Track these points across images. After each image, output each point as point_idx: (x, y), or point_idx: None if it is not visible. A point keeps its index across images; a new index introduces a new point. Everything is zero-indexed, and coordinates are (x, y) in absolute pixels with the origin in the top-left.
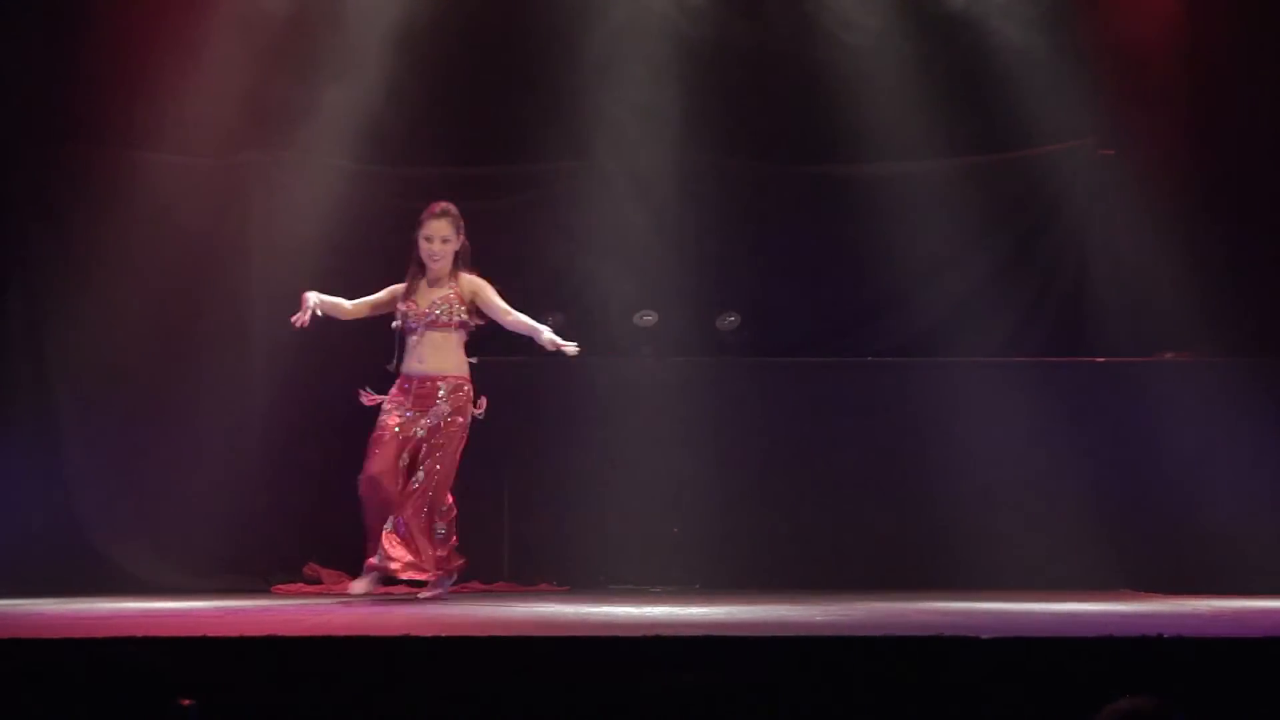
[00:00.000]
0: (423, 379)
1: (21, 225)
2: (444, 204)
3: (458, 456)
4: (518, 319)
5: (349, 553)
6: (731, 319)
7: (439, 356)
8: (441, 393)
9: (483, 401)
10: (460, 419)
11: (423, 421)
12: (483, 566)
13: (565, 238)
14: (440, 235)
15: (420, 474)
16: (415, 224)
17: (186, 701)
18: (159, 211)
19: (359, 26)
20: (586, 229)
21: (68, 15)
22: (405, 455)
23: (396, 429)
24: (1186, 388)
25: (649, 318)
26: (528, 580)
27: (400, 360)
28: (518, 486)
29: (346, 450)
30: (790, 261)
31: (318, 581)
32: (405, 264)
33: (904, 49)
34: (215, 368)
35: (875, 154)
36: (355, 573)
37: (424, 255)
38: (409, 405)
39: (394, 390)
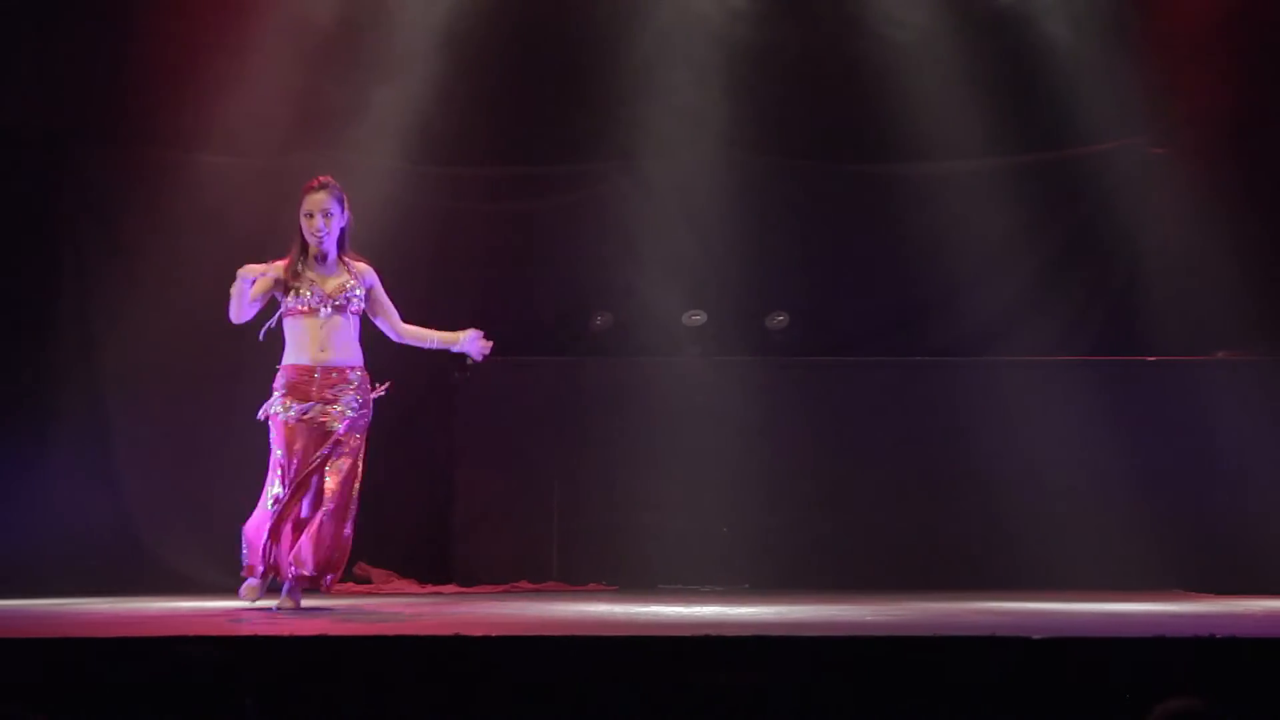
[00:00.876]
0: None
1: (73, 226)
2: (324, 178)
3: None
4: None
5: (399, 552)
6: (780, 318)
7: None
8: (351, 382)
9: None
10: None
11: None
12: (532, 566)
13: (613, 238)
14: (323, 210)
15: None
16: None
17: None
18: (209, 212)
19: (408, 28)
20: (635, 229)
21: (119, 18)
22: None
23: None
24: (1239, 387)
25: (697, 317)
26: (577, 580)
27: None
28: (566, 487)
29: (397, 449)
30: (839, 261)
31: (367, 581)
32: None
33: (952, 47)
34: (267, 366)
35: (924, 153)
36: (404, 572)
37: (306, 232)
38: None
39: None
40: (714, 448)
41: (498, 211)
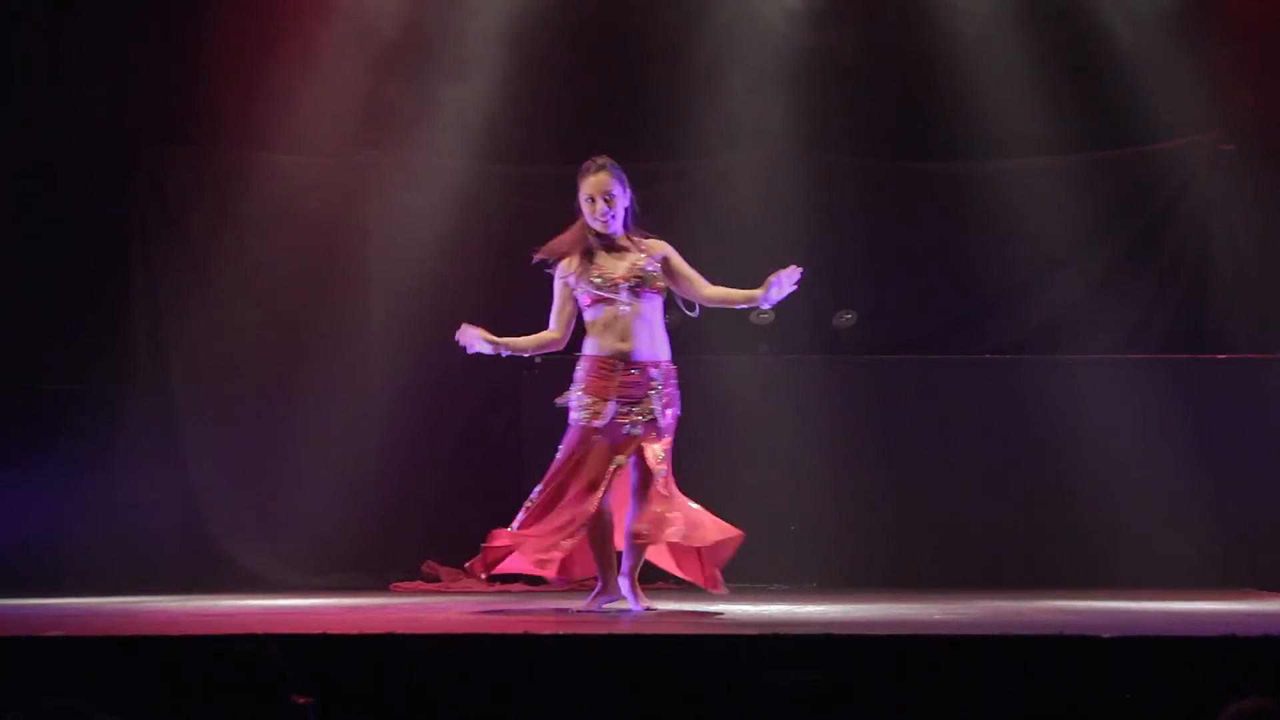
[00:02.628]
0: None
1: (142, 224)
2: (601, 158)
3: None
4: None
5: (468, 550)
6: (848, 316)
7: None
8: (655, 381)
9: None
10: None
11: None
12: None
13: (681, 236)
14: (605, 192)
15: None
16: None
17: (303, 699)
18: (277, 210)
19: (475, 28)
20: (700, 228)
21: (189, 17)
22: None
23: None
24: None
25: (765, 315)
26: (645, 578)
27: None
28: None
29: (465, 447)
30: (907, 258)
31: (436, 579)
32: (520, 257)
33: (1017, 43)
34: (334, 366)
35: (992, 150)
36: None
37: (590, 218)
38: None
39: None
40: (781, 445)
41: (565, 211)
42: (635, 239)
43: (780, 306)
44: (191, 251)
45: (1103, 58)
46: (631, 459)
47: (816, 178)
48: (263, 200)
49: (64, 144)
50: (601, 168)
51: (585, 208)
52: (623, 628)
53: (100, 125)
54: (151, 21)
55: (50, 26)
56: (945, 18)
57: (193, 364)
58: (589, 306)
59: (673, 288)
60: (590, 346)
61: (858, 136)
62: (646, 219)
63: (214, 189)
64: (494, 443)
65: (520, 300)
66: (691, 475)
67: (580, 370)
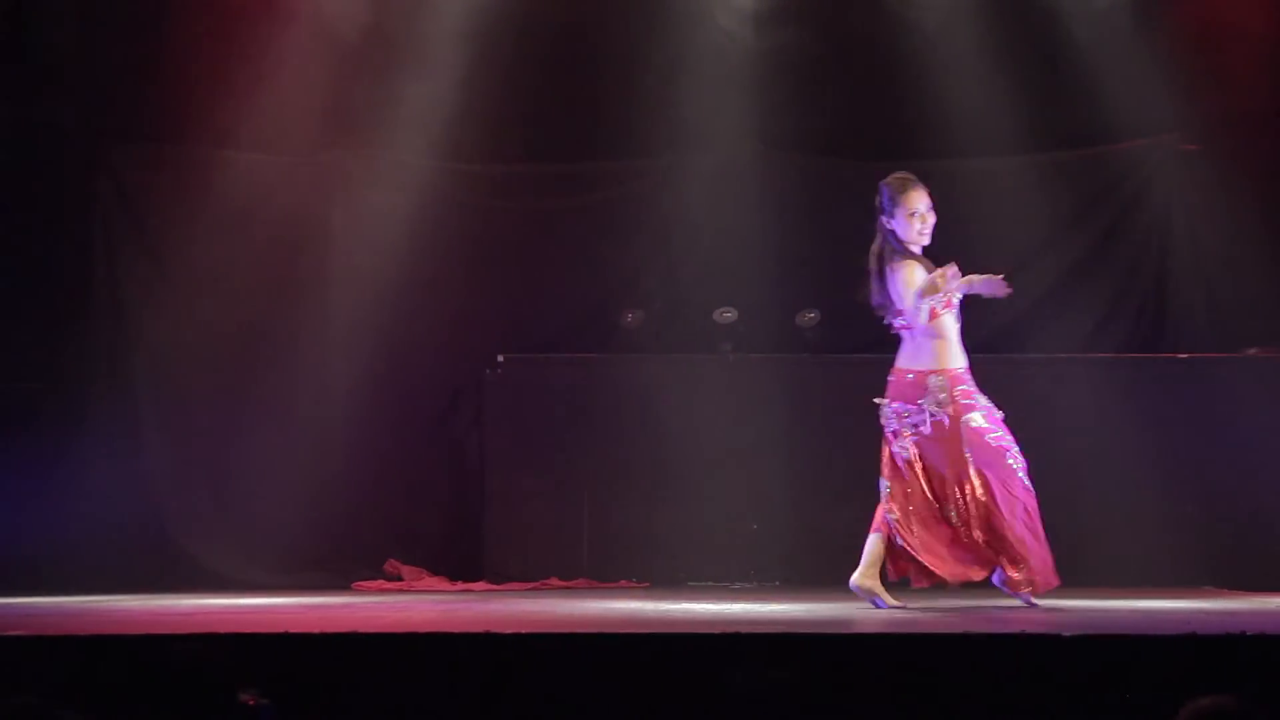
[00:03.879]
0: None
1: (105, 222)
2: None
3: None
4: None
5: (430, 550)
6: (811, 315)
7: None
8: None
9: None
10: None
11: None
12: (562, 564)
13: (644, 235)
14: (931, 207)
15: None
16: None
17: (252, 700)
18: (240, 208)
19: (439, 26)
20: (665, 226)
21: (152, 15)
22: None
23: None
24: (1271, 384)
25: (728, 314)
26: (608, 577)
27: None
28: (597, 484)
29: (427, 446)
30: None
31: (398, 578)
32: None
33: (981, 42)
34: (297, 365)
35: (954, 150)
36: (435, 569)
37: (913, 232)
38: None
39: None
40: (745, 444)
41: (527, 209)
42: None
43: (743, 305)
44: (155, 250)
45: (1065, 57)
46: None
47: (779, 176)
48: (226, 199)
49: (28, 142)
50: (920, 183)
51: (913, 223)
52: (584, 627)
53: (64, 123)
54: (116, 20)
55: (13, 25)
56: (906, 14)
57: (155, 362)
58: (945, 314)
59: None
60: (960, 357)
61: (821, 136)
62: (610, 217)
63: (177, 187)
64: (456, 442)
65: (484, 299)
66: (655, 474)
67: (948, 380)
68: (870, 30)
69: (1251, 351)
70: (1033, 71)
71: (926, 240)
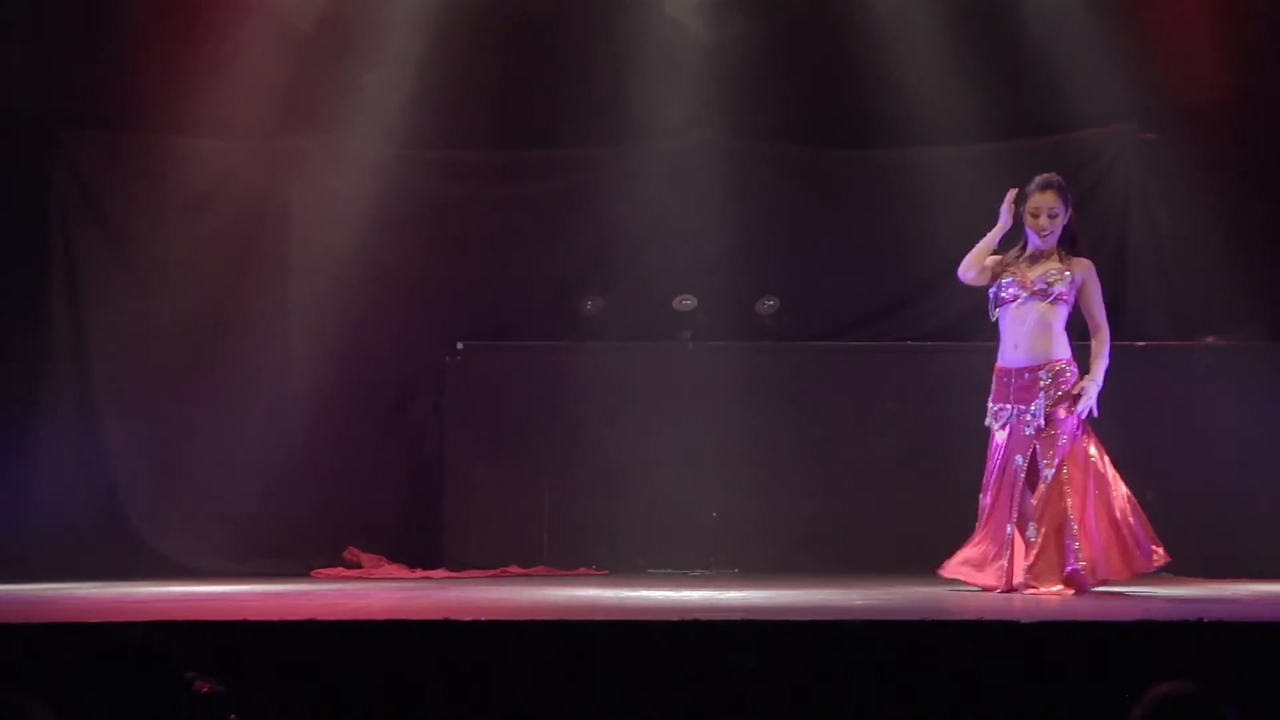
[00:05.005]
0: (1021, 370)
1: (62, 209)
2: (1049, 176)
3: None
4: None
5: (389, 536)
6: (770, 303)
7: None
8: (1043, 381)
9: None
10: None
11: (1026, 417)
12: (522, 551)
13: (603, 223)
14: (1049, 210)
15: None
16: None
17: (207, 687)
18: (198, 195)
19: (398, 12)
20: (625, 214)
21: (110, 1)
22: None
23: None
24: (1227, 372)
25: (688, 302)
26: (567, 564)
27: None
28: (556, 471)
29: (387, 434)
30: (829, 246)
31: (357, 566)
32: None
33: (939, 30)
34: (255, 351)
35: (914, 138)
36: (394, 557)
37: (1031, 229)
38: (1009, 402)
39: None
40: (703, 432)
41: (487, 196)
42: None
43: (702, 293)
44: (111, 236)
45: (1023, 46)
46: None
47: (738, 164)
48: (183, 185)
49: None
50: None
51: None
52: (543, 614)
53: (20, 109)
54: (73, 5)
55: None
56: (864, 4)
57: (112, 349)
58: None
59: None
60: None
61: (781, 124)
62: (569, 205)
63: (134, 173)
64: (416, 429)
65: (443, 286)
66: (614, 462)
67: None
68: (826, 18)
69: (1209, 339)
70: (991, 60)
71: (1034, 239)
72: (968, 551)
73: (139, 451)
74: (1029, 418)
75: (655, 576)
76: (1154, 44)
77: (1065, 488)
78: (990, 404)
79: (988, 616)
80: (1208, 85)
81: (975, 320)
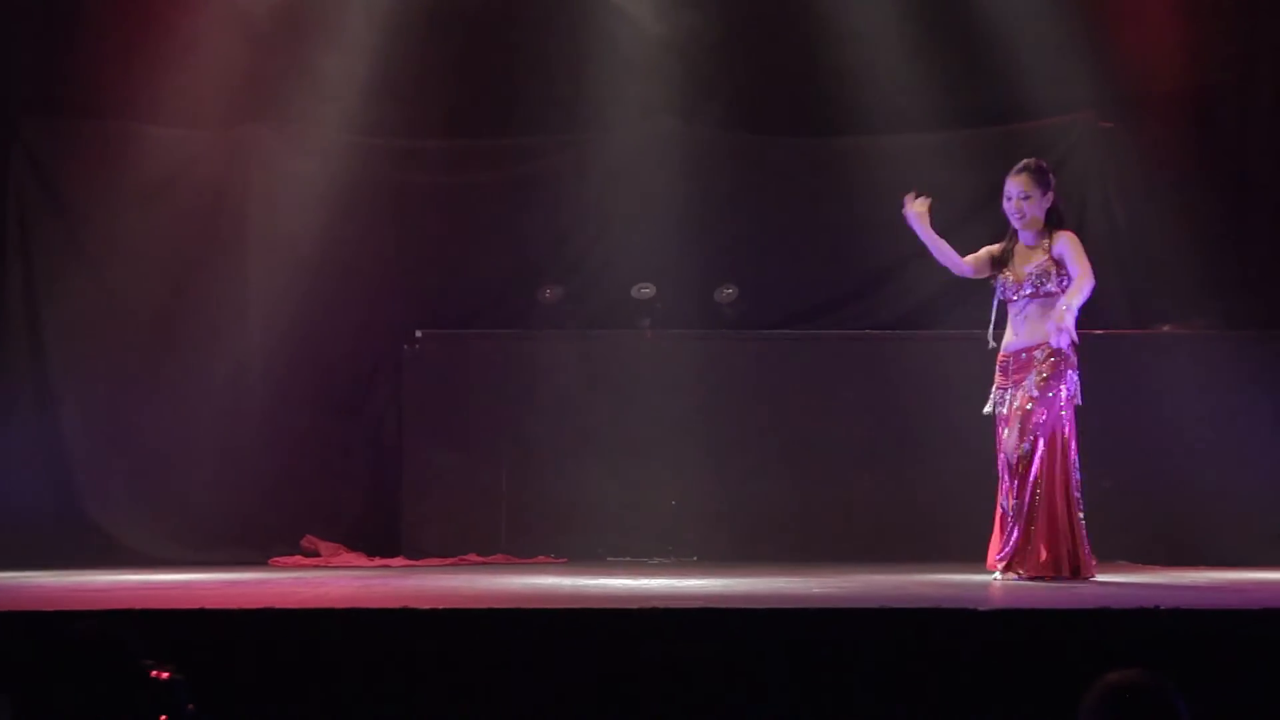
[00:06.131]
0: (1018, 352)
1: (19, 197)
2: (1026, 159)
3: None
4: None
5: (348, 525)
6: (729, 291)
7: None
8: (1038, 358)
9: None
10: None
11: (1019, 396)
12: (481, 539)
13: (562, 211)
14: (1019, 192)
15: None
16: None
17: (164, 674)
18: (155, 183)
19: (351, 1)
20: (584, 202)
21: None
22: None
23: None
24: (1185, 360)
25: (646, 290)
26: (526, 552)
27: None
28: (515, 460)
29: (345, 422)
30: (788, 234)
31: (315, 554)
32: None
33: (897, 18)
34: (213, 339)
35: (873, 127)
36: (353, 545)
37: (1007, 214)
38: (1007, 384)
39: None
40: (662, 421)
41: (446, 184)
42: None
43: (661, 281)
44: (69, 223)
45: (982, 34)
46: None
47: (697, 152)
48: (141, 172)
49: None
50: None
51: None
52: (501, 602)
53: None
54: None
55: None
56: None
57: (69, 336)
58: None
59: None
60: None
61: (740, 112)
62: (528, 193)
63: (92, 161)
64: (374, 418)
65: (402, 275)
66: (573, 450)
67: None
68: (786, 5)
69: (1166, 328)
70: (949, 48)
71: (1013, 223)
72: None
73: (96, 441)
74: (1020, 392)
75: (614, 565)
76: (1112, 32)
77: (1034, 469)
78: (994, 390)
79: (945, 605)
80: (1166, 74)
81: (934, 309)
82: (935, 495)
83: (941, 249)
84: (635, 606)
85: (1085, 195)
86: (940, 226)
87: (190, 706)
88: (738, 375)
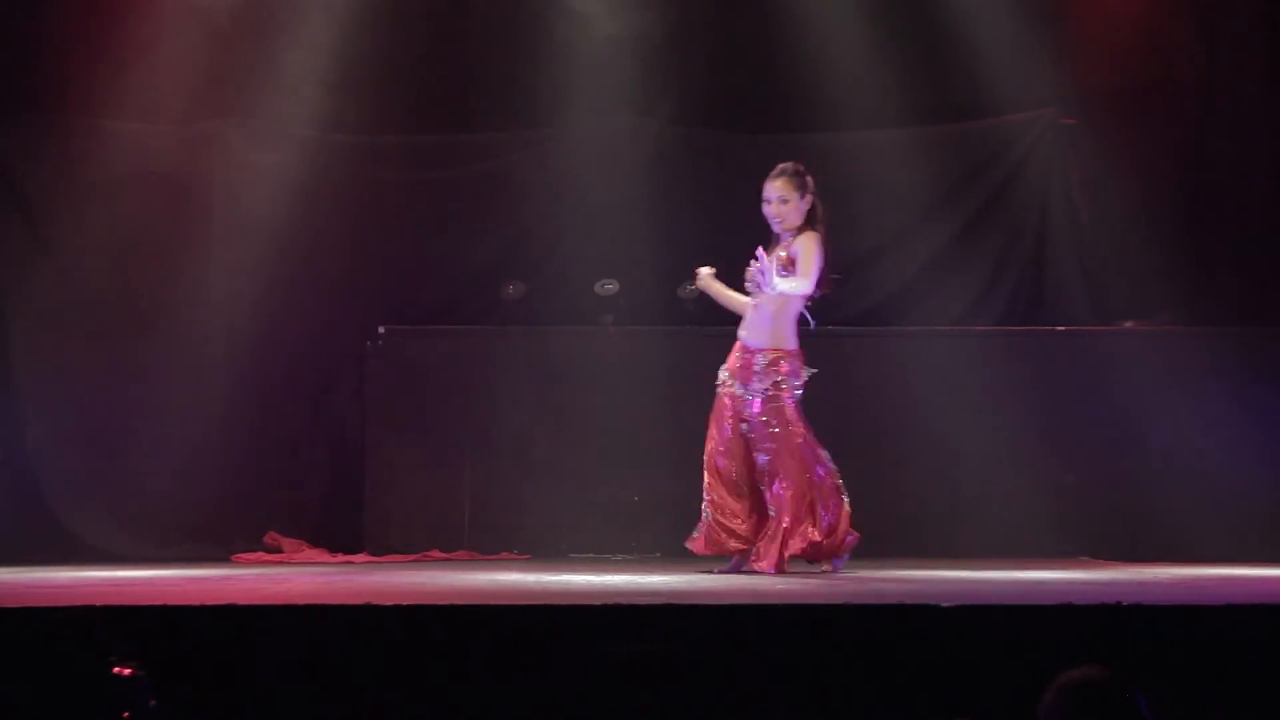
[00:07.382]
0: (742, 349)
1: None
2: (784, 164)
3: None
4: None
5: (310, 521)
6: (692, 288)
7: (755, 326)
8: (758, 365)
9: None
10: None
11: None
12: (444, 536)
13: (525, 207)
14: (778, 196)
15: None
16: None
17: (128, 671)
18: (119, 178)
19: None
20: (546, 198)
21: None
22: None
23: (729, 400)
24: (1147, 357)
25: (610, 286)
26: (489, 549)
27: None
28: (478, 456)
29: (307, 419)
30: (750, 231)
31: (278, 550)
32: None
33: (863, 15)
34: (176, 335)
35: (836, 122)
36: (315, 541)
37: (767, 218)
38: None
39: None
40: (626, 417)
41: (408, 180)
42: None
43: (624, 277)
44: (31, 218)
45: (944, 30)
46: None
47: (660, 148)
48: (104, 168)
49: None
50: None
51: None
52: (464, 599)
53: None
54: None
55: None
56: None
57: (31, 332)
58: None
59: None
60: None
61: (702, 108)
62: (491, 189)
63: (54, 157)
64: (337, 414)
65: (364, 270)
66: (536, 446)
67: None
68: (749, 1)
69: (1128, 324)
70: (911, 44)
71: (773, 226)
72: None
73: (58, 437)
74: (746, 397)
75: (577, 561)
76: (1074, 28)
77: (771, 468)
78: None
79: (907, 600)
80: (1127, 71)
81: (895, 305)
82: (898, 490)
83: (741, 302)
84: (598, 603)
85: (1047, 191)
86: (901, 223)
87: (153, 703)
88: (701, 371)
